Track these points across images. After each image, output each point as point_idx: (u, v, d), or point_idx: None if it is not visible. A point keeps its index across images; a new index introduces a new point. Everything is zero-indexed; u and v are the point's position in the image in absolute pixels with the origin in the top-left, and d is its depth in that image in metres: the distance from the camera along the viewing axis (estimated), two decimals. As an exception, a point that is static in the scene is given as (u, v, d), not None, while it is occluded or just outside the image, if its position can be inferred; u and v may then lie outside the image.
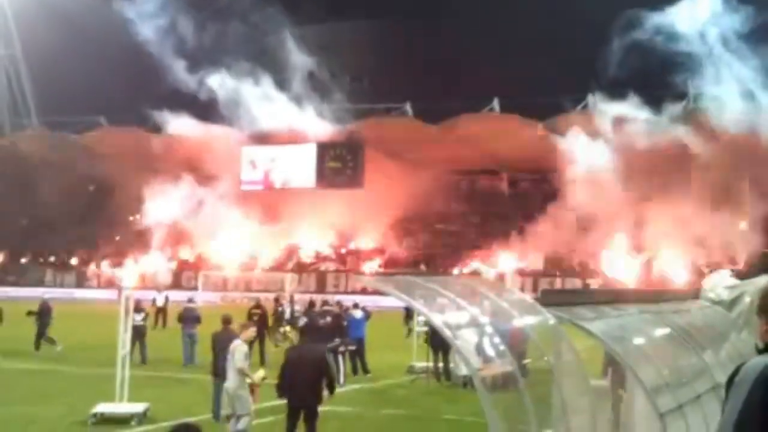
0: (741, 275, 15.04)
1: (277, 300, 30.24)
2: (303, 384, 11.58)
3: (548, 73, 49.30)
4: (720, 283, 12.78)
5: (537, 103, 51.17)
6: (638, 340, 9.82)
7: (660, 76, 46.97)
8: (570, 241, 51.06)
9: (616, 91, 48.17)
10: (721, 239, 45.70)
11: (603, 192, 46.88)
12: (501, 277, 46.16)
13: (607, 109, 49.21)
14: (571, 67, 49.37)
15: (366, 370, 21.38)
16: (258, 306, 24.66)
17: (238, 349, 12.68)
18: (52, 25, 61.73)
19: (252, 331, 13.65)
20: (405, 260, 58.28)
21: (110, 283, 55.05)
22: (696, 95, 49.91)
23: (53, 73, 63.14)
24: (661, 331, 10.54)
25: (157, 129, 60.48)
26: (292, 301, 30.41)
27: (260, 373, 12.54)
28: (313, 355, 12.08)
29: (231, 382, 12.51)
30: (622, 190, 46.66)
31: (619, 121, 48.46)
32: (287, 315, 28.01)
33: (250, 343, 16.02)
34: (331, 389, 11.91)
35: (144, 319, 22.20)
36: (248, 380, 12.52)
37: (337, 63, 57.51)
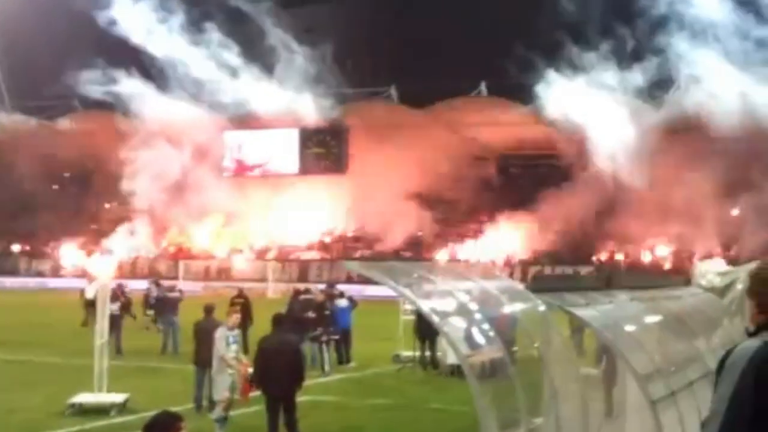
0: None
1: (119, 287, 27.33)
2: (278, 375, 11.55)
3: (535, 55, 48.65)
4: (712, 270, 12.62)
5: (526, 85, 50.43)
6: (630, 327, 9.67)
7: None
8: (568, 226, 50.37)
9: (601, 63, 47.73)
10: (717, 226, 44.91)
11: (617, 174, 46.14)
12: (491, 264, 45.78)
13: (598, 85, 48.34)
14: (558, 48, 48.78)
15: (348, 359, 21.12)
16: (240, 295, 24.27)
17: (217, 334, 12.74)
18: (23, 8, 60.52)
19: (236, 317, 13.49)
20: (390, 247, 57.92)
21: (85, 273, 53.82)
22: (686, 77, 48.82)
23: (25, 57, 61.87)
24: (653, 318, 10.41)
25: (134, 113, 59.30)
26: (158, 285, 29.86)
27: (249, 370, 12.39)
28: (287, 345, 12.05)
29: (214, 368, 12.78)
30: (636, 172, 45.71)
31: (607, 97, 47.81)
32: (152, 299, 27.48)
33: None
34: (299, 382, 11.90)
35: (119, 309, 21.71)
36: (230, 371, 12.39)
37: (320, 46, 56.70)
